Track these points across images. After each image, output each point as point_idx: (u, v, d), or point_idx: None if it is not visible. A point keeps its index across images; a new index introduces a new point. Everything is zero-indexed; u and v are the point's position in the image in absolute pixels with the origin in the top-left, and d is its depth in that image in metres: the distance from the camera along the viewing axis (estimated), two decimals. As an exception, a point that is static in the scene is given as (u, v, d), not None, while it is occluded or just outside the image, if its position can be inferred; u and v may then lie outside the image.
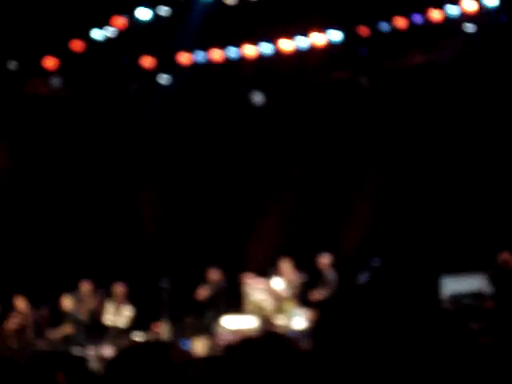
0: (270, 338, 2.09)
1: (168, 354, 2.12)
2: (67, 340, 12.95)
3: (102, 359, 12.47)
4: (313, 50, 14.52)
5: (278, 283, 13.67)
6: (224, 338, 13.14)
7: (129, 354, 2.17)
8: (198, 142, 15.65)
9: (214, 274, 13.88)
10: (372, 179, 14.94)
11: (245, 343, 2.10)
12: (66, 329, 12.74)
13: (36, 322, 13.26)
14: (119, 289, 13.71)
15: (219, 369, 2.02)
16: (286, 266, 13.67)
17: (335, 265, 13.54)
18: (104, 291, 13.80)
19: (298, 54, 14.64)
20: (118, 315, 13.54)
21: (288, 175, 15.66)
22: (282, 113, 15.49)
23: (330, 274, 13.48)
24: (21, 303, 13.17)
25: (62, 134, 15.06)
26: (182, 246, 15.38)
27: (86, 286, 13.64)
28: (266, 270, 13.91)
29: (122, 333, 13.36)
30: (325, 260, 13.61)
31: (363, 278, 12.84)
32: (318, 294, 13.16)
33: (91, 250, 14.82)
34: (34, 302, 13.30)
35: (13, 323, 12.96)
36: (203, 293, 13.81)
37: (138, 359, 2.07)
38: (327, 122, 15.31)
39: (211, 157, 15.73)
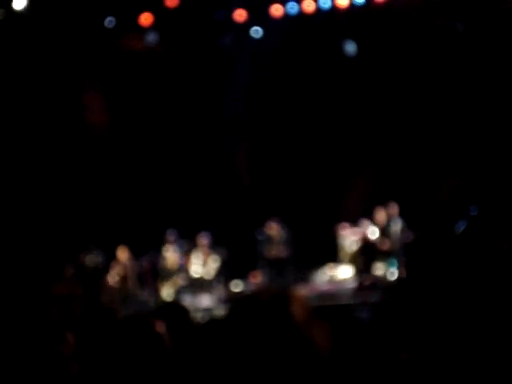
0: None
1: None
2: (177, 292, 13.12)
3: (199, 310, 12.66)
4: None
5: (373, 232, 13.69)
6: (320, 288, 13.29)
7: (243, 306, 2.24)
8: (290, 95, 15.58)
9: None
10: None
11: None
12: (178, 280, 12.86)
13: (138, 272, 13.48)
14: (203, 240, 13.75)
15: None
16: (380, 214, 13.66)
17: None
18: (190, 243, 13.92)
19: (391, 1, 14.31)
20: (204, 266, 13.70)
21: (383, 125, 15.46)
22: (376, 63, 15.23)
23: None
24: (123, 254, 13.42)
25: (157, 89, 15.24)
26: (276, 198, 15.43)
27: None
28: (361, 220, 13.94)
29: (210, 284, 13.47)
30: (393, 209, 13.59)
31: (460, 226, 12.68)
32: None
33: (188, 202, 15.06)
34: (136, 253, 13.56)
35: (115, 274, 13.27)
36: None
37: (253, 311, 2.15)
38: (422, 71, 14.99)
39: (304, 109, 15.64)
